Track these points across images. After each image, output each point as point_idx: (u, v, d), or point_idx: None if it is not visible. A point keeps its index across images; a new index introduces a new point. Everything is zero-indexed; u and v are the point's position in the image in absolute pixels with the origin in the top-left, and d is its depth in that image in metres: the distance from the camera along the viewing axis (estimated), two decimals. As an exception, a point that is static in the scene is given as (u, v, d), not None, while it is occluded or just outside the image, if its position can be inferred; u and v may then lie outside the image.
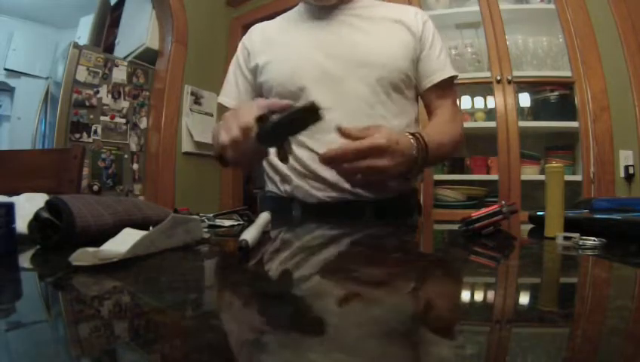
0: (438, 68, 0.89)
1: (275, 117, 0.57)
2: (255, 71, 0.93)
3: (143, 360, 0.16)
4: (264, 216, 0.48)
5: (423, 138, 0.71)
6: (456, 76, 0.91)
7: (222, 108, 0.97)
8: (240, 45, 0.99)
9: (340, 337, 0.17)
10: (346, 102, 0.83)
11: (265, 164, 0.94)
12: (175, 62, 2.41)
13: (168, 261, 0.35)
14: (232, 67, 0.99)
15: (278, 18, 0.98)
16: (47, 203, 0.40)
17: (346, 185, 0.79)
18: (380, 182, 0.79)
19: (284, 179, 0.87)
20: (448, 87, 0.91)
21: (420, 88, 0.91)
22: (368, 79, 0.84)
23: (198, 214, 0.69)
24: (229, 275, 0.35)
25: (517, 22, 1.94)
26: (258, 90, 0.94)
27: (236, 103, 0.95)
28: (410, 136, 0.70)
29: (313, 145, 0.83)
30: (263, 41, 0.94)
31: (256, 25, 0.99)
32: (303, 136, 0.83)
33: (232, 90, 0.97)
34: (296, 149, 0.85)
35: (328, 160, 0.64)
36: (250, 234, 0.37)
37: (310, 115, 0.57)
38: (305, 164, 0.84)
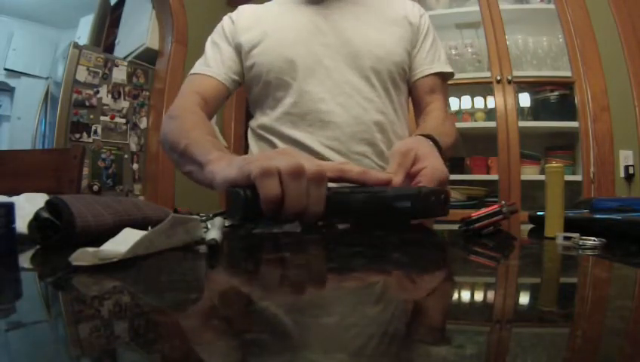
0: (430, 60, 0.86)
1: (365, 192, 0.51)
2: (240, 49, 0.83)
3: (143, 360, 0.16)
4: (218, 219, 0.48)
5: (437, 142, 0.66)
6: (452, 74, 0.88)
7: (195, 82, 0.82)
8: (225, 18, 0.88)
9: (339, 337, 0.17)
10: (342, 94, 0.79)
11: None
12: (175, 62, 2.42)
13: (168, 261, 0.35)
14: (212, 39, 0.86)
15: (272, 2, 0.90)
16: (47, 203, 0.40)
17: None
18: None
19: None
20: (441, 84, 0.87)
21: (410, 79, 0.87)
22: (365, 71, 0.80)
23: (198, 214, 0.69)
24: (228, 275, 0.35)
25: (517, 22, 1.95)
26: (241, 73, 0.85)
27: (219, 73, 0.81)
28: (431, 141, 0.65)
29: (306, 140, 0.78)
30: (253, 19, 0.85)
31: (246, 5, 0.90)
32: (292, 130, 0.79)
33: (216, 60, 0.82)
34: (284, 145, 0.79)
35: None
36: (215, 234, 0.39)
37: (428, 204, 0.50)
38: None
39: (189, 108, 0.76)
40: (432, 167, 0.57)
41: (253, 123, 0.89)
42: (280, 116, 0.81)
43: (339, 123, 0.78)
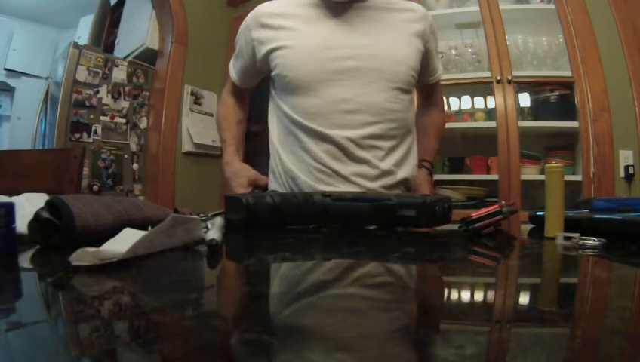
0: (439, 65, 1.00)
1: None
2: (266, 58, 0.88)
3: (143, 360, 0.16)
4: (218, 219, 0.49)
5: (430, 163, 1.00)
6: None
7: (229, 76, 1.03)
8: (244, 23, 0.92)
9: (339, 337, 0.17)
10: (362, 98, 0.83)
11: (276, 168, 0.91)
12: (175, 62, 2.41)
13: (168, 261, 0.35)
14: (237, 44, 0.95)
15: (289, 2, 0.91)
16: (47, 203, 0.40)
17: (376, 187, 0.83)
18: None
19: (310, 185, 0.84)
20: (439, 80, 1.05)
21: (425, 82, 0.98)
22: (384, 76, 0.85)
23: (198, 214, 0.69)
24: (228, 275, 0.35)
25: (517, 22, 1.94)
26: (265, 72, 0.92)
27: (235, 78, 1.01)
28: (426, 172, 0.98)
29: (337, 138, 0.82)
30: (273, 21, 0.88)
31: (262, 6, 0.91)
32: (311, 123, 0.83)
33: (235, 65, 0.99)
34: (316, 147, 0.83)
35: None
36: (215, 234, 0.39)
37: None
38: (327, 164, 0.82)
39: (226, 98, 1.04)
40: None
41: (272, 102, 0.94)
42: (300, 111, 0.86)
43: (355, 121, 0.84)
